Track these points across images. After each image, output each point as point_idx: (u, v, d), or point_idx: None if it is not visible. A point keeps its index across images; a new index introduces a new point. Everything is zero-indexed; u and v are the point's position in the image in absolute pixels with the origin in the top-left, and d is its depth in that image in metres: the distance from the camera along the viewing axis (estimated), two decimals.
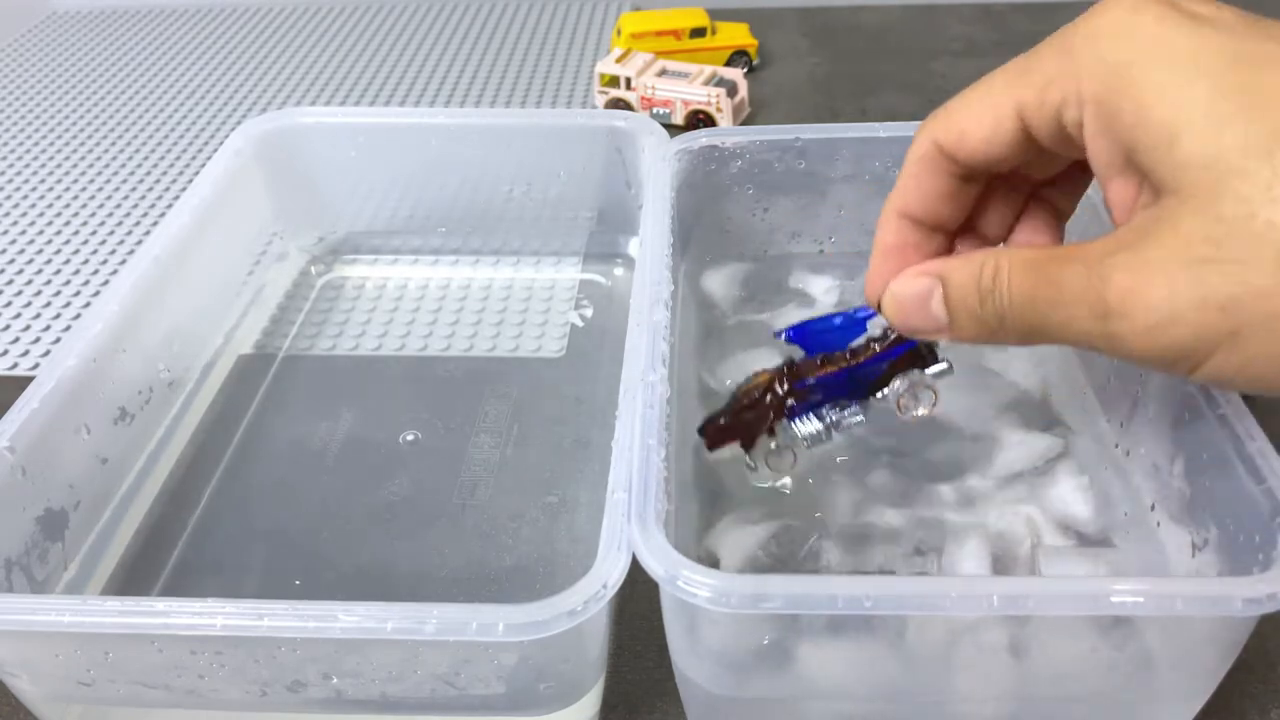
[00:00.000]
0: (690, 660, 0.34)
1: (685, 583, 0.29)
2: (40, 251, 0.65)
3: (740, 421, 0.39)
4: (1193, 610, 0.29)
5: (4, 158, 0.75)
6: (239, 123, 0.57)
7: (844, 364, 0.37)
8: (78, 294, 0.61)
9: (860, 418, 0.39)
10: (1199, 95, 0.26)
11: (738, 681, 0.34)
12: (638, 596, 0.40)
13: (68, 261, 0.64)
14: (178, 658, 0.33)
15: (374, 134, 0.56)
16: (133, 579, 0.42)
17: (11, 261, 0.64)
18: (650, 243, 0.44)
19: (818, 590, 0.30)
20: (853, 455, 0.43)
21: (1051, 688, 0.34)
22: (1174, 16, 0.27)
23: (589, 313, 0.56)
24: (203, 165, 0.53)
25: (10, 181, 0.72)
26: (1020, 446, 0.43)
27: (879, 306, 0.34)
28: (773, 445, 0.39)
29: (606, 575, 0.31)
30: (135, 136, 0.78)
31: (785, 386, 0.38)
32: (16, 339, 0.57)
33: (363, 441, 0.48)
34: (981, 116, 0.31)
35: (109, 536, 0.43)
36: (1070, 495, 0.41)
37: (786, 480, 0.41)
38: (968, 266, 0.30)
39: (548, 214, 0.58)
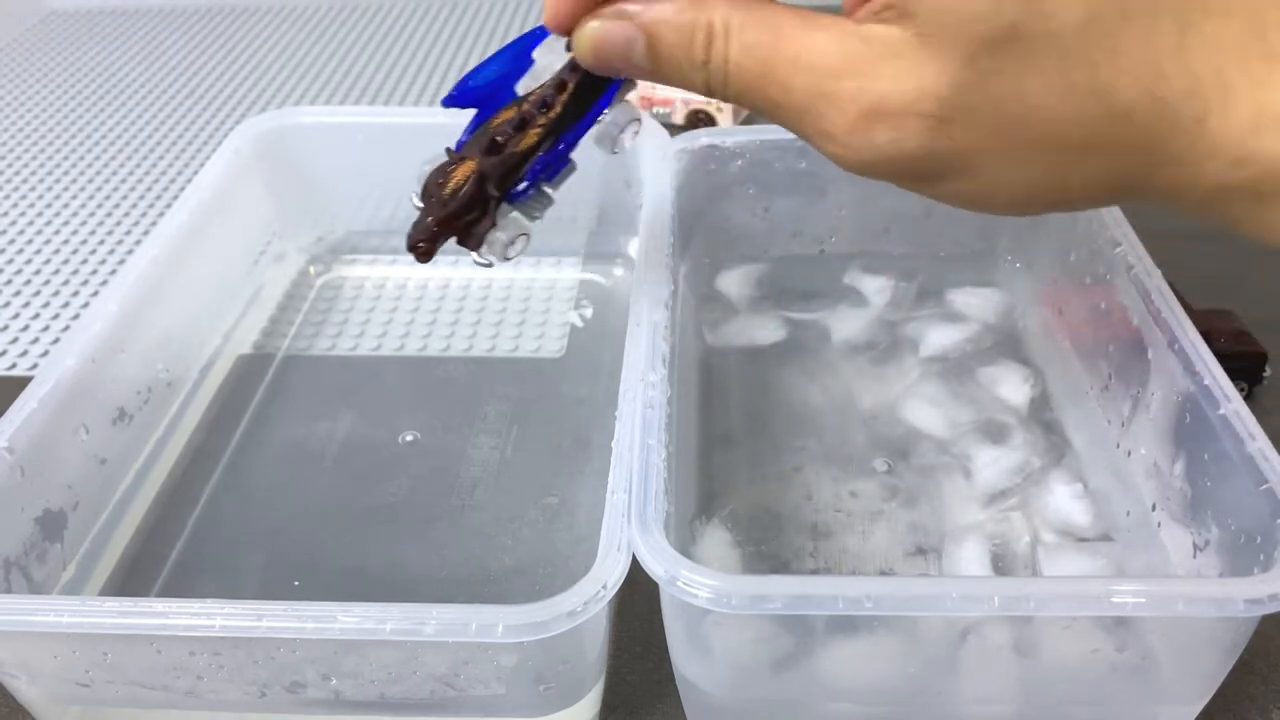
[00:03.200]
0: (691, 662, 0.34)
1: (685, 583, 0.29)
2: (39, 251, 0.65)
3: (458, 226, 0.33)
4: (1194, 611, 0.29)
5: (2, 157, 0.75)
6: (238, 122, 0.57)
7: (543, 123, 0.33)
8: (76, 294, 0.61)
9: (571, 165, 0.35)
10: None
11: (739, 683, 0.34)
12: (638, 597, 0.40)
13: (66, 261, 0.64)
14: (176, 658, 0.33)
15: (374, 134, 0.56)
16: (131, 580, 0.42)
17: (10, 262, 0.64)
18: (650, 243, 0.44)
19: (819, 591, 0.29)
20: (846, 464, 0.43)
21: (1054, 689, 0.34)
22: None
23: (589, 313, 0.56)
24: (201, 165, 0.53)
25: (9, 181, 0.72)
26: (994, 466, 0.42)
27: (566, 36, 0.31)
28: (501, 236, 0.34)
29: (606, 576, 0.31)
30: (134, 136, 0.78)
31: (497, 187, 0.33)
32: (15, 339, 0.57)
33: (362, 442, 0.48)
34: None
35: (107, 537, 0.43)
36: (1066, 504, 0.41)
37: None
38: (677, 26, 0.28)
39: (548, 214, 0.58)
